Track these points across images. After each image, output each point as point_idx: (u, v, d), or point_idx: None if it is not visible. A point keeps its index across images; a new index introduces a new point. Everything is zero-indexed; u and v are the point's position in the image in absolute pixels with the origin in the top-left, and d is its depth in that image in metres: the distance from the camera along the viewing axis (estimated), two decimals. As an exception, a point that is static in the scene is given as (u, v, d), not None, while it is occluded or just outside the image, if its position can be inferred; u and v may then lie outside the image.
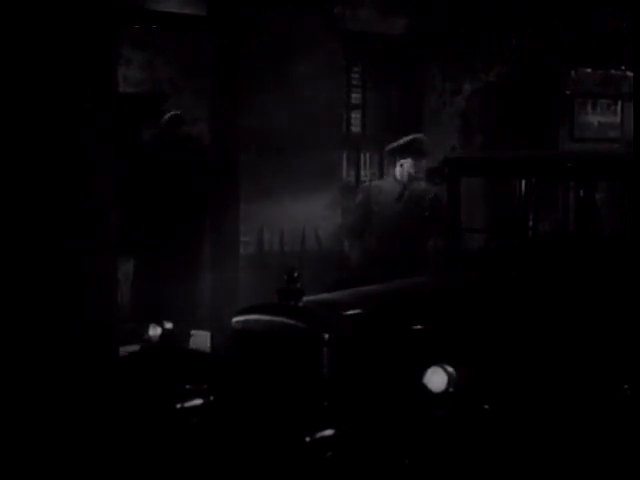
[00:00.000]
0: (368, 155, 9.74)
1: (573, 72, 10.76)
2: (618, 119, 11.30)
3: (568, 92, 10.78)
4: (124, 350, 6.13)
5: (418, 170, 6.55)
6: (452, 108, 9.92)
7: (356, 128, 9.63)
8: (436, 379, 4.10)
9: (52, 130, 6.34)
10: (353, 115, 9.66)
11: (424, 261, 6.47)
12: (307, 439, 3.99)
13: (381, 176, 8.72)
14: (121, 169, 6.86)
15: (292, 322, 4.45)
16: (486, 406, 4.12)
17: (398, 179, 6.69)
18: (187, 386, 4.66)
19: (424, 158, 6.55)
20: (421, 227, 6.48)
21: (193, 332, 7.26)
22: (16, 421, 5.73)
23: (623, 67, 10.86)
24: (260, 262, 7.58)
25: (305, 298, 4.56)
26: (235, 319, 4.68)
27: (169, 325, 5.04)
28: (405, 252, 6.40)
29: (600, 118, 11.19)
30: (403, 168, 6.63)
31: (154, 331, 5.03)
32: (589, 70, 10.92)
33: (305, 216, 8.12)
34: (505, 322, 4.76)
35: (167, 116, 7.92)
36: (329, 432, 4.03)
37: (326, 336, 4.31)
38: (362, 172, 9.72)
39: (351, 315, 4.62)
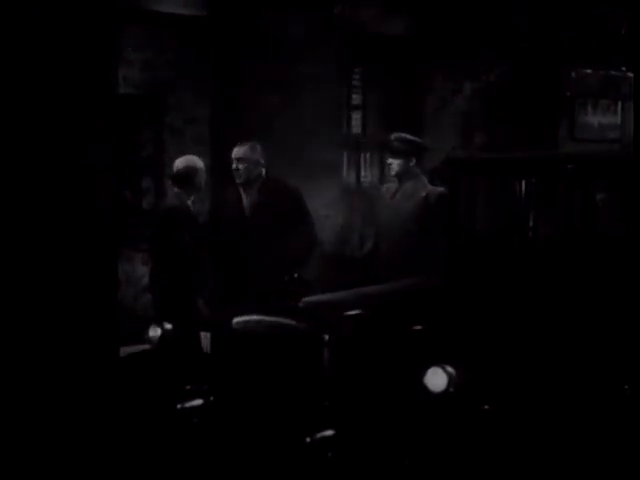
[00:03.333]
0: (368, 155, 9.75)
1: (573, 72, 10.77)
2: (618, 120, 11.30)
3: (568, 93, 10.79)
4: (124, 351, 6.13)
5: (404, 168, 6.60)
6: (452, 108, 9.92)
7: (356, 128, 9.65)
8: (436, 379, 4.10)
9: (52, 130, 6.34)
10: (354, 115, 9.68)
11: (425, 258, 6.48)
12: (307, 439, 3.99)
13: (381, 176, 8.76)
14: None
15: (292, 322, 4.45)
16: (486, 406, 4.12)
17: (392, 179, 6.78)
18: (187, 386, 4.66)
19: (401, 156, 6.60)
20: (415, 224, 6.51)
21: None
22: (16, 421, 5.73)
23: (623, 68, 10.87)
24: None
25: (305, 298, 4.56)
26: (236, 320, 4.68)
27: (169, 326, 5.04)
28: (404, 249, 6.43)
29: (600, 119, 11.19)
30: (390, 167, 6.72)
31: (154, 332, 5.03)
32: (589, 70, 10.92)
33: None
34: (505, 322, 4.76)
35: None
36: (329, 432, 4.03)
37: (326, 336, 4.30)
38: (362, 172, 9.74)
39: (351, 315, 4.62)
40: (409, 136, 6.83)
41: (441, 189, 6.65)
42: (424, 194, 6.51)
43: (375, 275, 6.34)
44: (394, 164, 6.65)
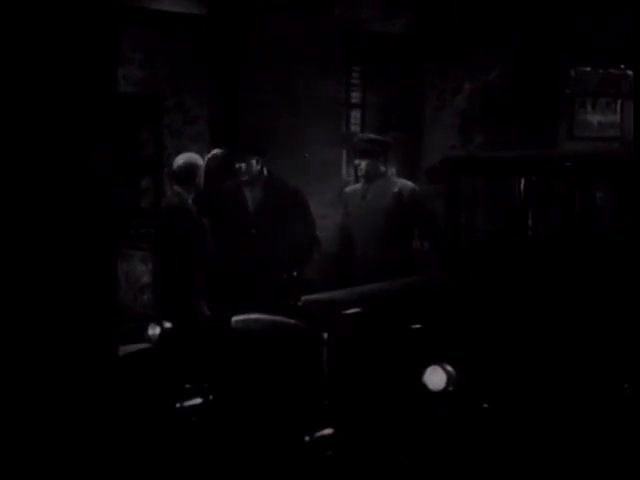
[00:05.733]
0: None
1: (573, 71, 10.77)
2: (618, 118, 11.29)
3: (568, 91, 10.79)
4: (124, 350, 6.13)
5: (373, 167, 6.61)
6: (452, 108, 9.92)
7: (356, 127, 9.66)
8: (435, 378, 4.10)
9: (52, 130, 6.34)
10: (353, 114, 9.69)
11: (406, 257, 6.50)
12: (307, 438, 3.99)
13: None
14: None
15: (291, 321, 4.45)
16: (485, 405, 4.12)
17: (362, 179, 6.80)
18: (186, 385, 4.66)
19: (369, 157, 6.60)
20: (389, 223, 6.52)
21: None
22: (16, 421, 5.73)
23: (623, 66, 10.87)
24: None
25: (304, 297, 4.56)
26: (235, 318, 4.68)
27: (168, 324, 5.04)
28: (379, 247, 6.46)
29: (600, 117, 11.19)
30: (360, 168, 6.73)
31: (153, 330, 5.04)
32: (589, 69, 10.92)
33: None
34: (504, 321, 4.76)
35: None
36: (329, 431, 4.03)
37: (325, 335, 4.30)
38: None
39: (350, 314, 4.62)
40: (375, 136, 6.86)
41: (412, 184, 6.70)
42: (396, 190, 6.54)
43: (351, 274, 6.39)
44: (362, 164, 6.66)
